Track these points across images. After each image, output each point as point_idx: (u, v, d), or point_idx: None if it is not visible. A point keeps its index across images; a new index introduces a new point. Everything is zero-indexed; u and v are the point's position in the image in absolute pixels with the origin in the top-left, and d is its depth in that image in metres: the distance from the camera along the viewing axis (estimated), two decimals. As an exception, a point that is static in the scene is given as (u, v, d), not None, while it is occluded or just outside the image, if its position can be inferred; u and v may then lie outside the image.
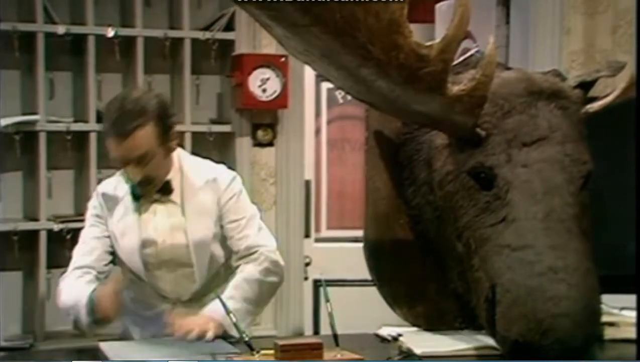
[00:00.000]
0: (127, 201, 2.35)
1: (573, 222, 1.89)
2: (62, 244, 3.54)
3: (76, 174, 3.67)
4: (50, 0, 3.50)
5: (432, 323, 2.21)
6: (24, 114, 3.51)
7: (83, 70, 3.57)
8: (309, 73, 3.95)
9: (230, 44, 3.74)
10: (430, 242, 2.18)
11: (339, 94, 4.53)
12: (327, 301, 2.04)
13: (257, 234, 2.35)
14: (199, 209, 2.33)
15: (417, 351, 2.00)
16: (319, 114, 4.50)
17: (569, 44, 3.52)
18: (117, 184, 2.39)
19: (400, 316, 2.38)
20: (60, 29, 3.48)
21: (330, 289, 2.08)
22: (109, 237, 2.37)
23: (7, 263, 3.52)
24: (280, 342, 1.86)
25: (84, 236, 2.41)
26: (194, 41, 3.67)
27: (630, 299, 1.87)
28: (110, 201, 2.38)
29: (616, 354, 2.03)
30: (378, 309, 2.44)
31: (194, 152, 3.69)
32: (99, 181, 3.60)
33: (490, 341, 1.95)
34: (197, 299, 2.33)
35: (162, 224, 2.33)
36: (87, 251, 2.36)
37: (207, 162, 2.45)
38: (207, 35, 3.68)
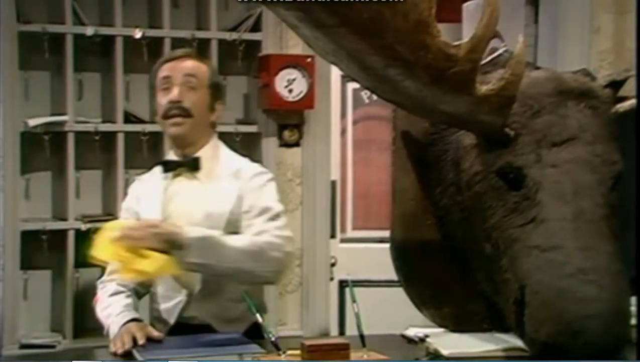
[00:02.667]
0: (156, 181, 2.40)
1: (603, 223, 1.86)
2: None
3: (104, 174, 3.70)
4: (79, 2, 3.53)
5: (459, 325, 2.20)
6: (53, 114, 3.54)
7: (111, 71, 3.60)
8: (335, 73, 3.94)
9: (256, 44, 3.75)
10: (458, 243, 2.16)
11: (365, 95, 4.52)
12: (354, 301, 2.04)
13: (266, 223, 2.24)
14: (219, 195, 2.32)
15: (444, 352, 1.99)
16: (344, 115, 4.49)
17: (598, 43, 3.48)
18: (152, 173, 2.47)
19: (428, 317, 2.36)
20: (89, 31, 3.51)
21: (356, 290, 2.07)
22: None
23: (36, 262, 3.56)
24: (307, 343, 1.86)
25: None
26: (221, 42, 3.69)
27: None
28: (144, 185, 2.45)
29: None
30: (404, 310, 2.43)
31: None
32: (127, 181, 3.66)
33: (518, 343, 1.94)
34: (211, 294, 2.27)
35: (183, 202, 2.34)
36: None
37: (241, 158, 2.48)
38: (234, 36, 3.70)
